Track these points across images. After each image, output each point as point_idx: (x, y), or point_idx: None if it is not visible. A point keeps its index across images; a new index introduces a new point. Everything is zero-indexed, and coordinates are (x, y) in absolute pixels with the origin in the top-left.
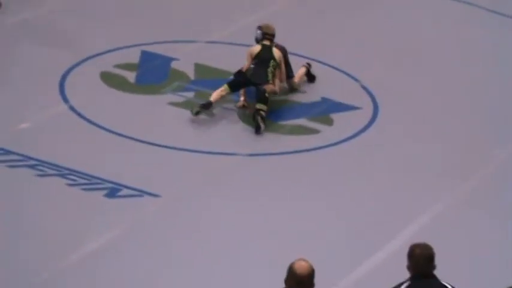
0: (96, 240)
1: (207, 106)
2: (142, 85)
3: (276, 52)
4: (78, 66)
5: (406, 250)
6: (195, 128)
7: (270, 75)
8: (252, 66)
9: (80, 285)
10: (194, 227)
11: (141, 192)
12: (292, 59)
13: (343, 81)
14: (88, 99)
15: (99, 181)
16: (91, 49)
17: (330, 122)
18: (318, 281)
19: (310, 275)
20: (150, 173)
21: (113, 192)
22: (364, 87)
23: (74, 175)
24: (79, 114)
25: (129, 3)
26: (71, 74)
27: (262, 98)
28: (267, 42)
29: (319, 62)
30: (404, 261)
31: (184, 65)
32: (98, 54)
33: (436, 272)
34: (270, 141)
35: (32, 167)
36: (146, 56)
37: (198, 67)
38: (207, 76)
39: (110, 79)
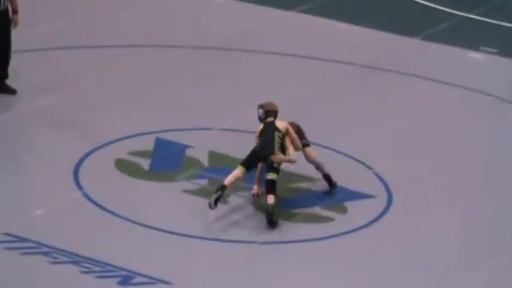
0: None
1: (222, 189)
2: (156, 172)
3: (280, 123)
4: (92, 153)
5: None
6: (209, 215)
7: (276, 146)
8: (259, 141)
9: None
10: None
11: (155, 280)
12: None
13: (356, 168)
14: (102, 186)
15: (112, 268)
16: (105, 136)
17: (344, 211)
18: None
19: None
20: (164, 261)
21: (126, 280)
22: (377, 175)
23: (87, 262)
24: (93, 201)
25: (143, 92)
26: (85, 161)
27: (271, 167)
28: (270, 119)
29: (332, 149)
30: None
31: (199, 152)
32: (112, 142)
33: None
34: (284, 229)
35: (45, 254)
36: (160, 144)
37: (212, 155)
38: (221, 164)
39: (124, 166)
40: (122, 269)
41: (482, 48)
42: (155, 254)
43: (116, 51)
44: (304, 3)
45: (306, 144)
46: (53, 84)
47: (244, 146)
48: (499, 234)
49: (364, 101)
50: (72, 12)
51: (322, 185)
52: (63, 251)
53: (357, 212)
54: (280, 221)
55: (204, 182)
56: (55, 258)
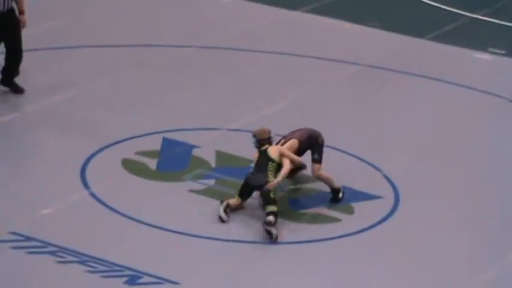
0: None
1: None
2: (163, 172)
3: (273, 152)
4: (99, 152)
5: None
6: (216, 215)
7: (269, 176)
8: (251, 171)
9: None
10: None
11: (162, 280)
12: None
13: (364, 170)
14: (109, 185)
15: (119, 268)
16: (113, 136)
17: (350, 211)
18: None
19: None
20: (171, 261)
21: (133, 279)
22: (385, 177)
23: (94, 262)
24: (100, 201)
25: (150, 92)
26: (92, 161)
27: (267, 200)
28: (264, 148)
29: (340, 150)
30: None
31: (206, 152)
32: (119, 141)
33: None
34: (291, 229)
35: (52, 253)
36: (168, 143)
37: (219, 155)
38: (228, 164)
39: (131, 166)
40: (128, 268)
41: (490, 49)
42: (162, 253)
43: (122, 51)
44: (310, 3)
45: (315, 160)
46: (60, 84)
47: (251, 146)
48: (507, 235)
49: (371, 101)
50: (78, 11)
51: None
52: (70, 250)
53: (364, 212)
54: (287, 222)
55: (211, 182)
56: (61, 257)
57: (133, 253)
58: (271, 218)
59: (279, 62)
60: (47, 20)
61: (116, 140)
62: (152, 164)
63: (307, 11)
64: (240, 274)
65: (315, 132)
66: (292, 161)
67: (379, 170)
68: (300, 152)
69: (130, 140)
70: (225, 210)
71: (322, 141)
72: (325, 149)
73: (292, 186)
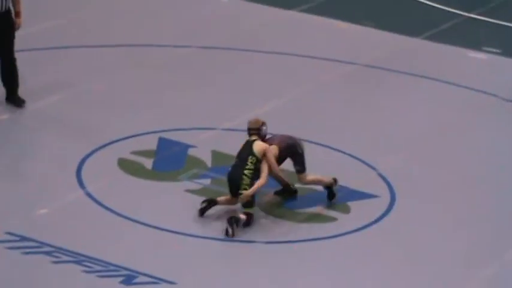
0: None
1: (210, 202)
2: (159, 172)
3: (258, 146)
4: (95, 152)
5: None
6: (212, 215)
7: (245, 176)
8: (232, 165)
9: None
10: None
11: (158, 280)
12: (309, 147)
13: (360, 169)
14: (105, 185)
15: (115, 268)
16: (108, 136)
17: (347, 210)
18: None
19: None
20: (167, 260)
21: (129, 279)
22: (381, 175)
23: (90, 262)
24: (96, 201)
25: (146, 91)
26: (88, 160)
27: (244, 204)
28: (251, 138)
29: (336, 149)
30: None
31: (202, 152)
32: (115, 141)
33: None
34: (287, 228)
35: (47, 253)
36: (163, 143)
37: (215, 154)
38: (224, 163)
39: (127, 165)
40: (124, 268)
41: (484, 48)
42: (158, 253)
43: (119, 51)
44: (306, 3)
45: (299, 171)
46: (56, 83)
47: None
48: (503, 234)
49: (367, 100)
50: (73, 11)
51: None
52: (66, 250)
53: (360, 211)
54: (283, 221)
55: (206, 182)
56: (57, 257)
57: (129, 253)
58: (239, 216)
59: (275, 62)
60: (40, 19)
61: (111, 139)
62: (148, 163)
63: (303, 11)
64: (236, 274)
65: (293, 141)
66: (269, 167)
67: (374, 169)
68: (279, 160)
69: (126, 140)
70: (204, 206)
71: (302, 150)
72: (321, 148)
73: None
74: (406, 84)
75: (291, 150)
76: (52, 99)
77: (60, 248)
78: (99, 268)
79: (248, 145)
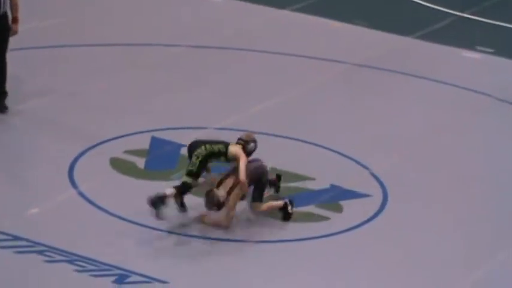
0: None
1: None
2: (151, 171)
3: (234, 148)
4: (87, 151)
5: None
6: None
7: (204, 147)
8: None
9: None
10: None
11: (150, 279)
12: (302, 147)
13: (352, 168)
14: (97, 184)
15: (107, 267)
16: (101, 135)
17: (339, 209)
18: None
19: None
20: (160, 260)
21: (122, 278)
22: (373, 175)
23: (83, 261)
24: (88, 200)
25: (139, 91)
26: (80, 160)
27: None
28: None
29: (329, 149)
30: None
31: None
32: (107, 140)
33: None
34: (280, 228)
35: (40, 252)
36: (156, 142)
37: None
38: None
39: (119, 165)
40: (117, 267)
41: (478, 47)
42: (150, 252)
43: (111, 50)
44: (298, 2)
45: (254, 199)
46: (49, 83)
47: None
48: (497, 233)
49: (358, 100)
50: (65, 11)
51: (318, 184)
52: (58, 249)
53: (353, 211)
54: (276, 220)
55: (199, 181)
56: (50, 256)
57: (121, 252)
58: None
59: (268, 61)
60: (31, 19)
61: (104, 138)
62: (140, 163)
63: (296, 10)
64: (229, 273)
65: (262, 169)
66: (238, 172)
67: (367, 168)
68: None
69: (118, 139)
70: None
71: (266, 181)
72: (314, 148)
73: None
74: (399, 83)
75: (257, 176)
76: (43, 98)
77: (53, 248)
78: (91, 267)
79: (226, 143)
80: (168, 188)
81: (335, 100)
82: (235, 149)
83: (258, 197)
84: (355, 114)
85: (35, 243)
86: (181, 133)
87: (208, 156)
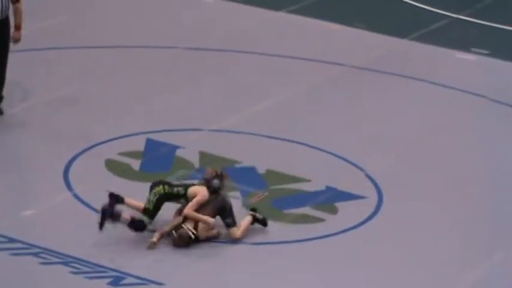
0: None
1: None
2: (147, 173)
3: (195, 189)
4: (83, 153)
5: None
6: None
7: (152, 197)
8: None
9: None
10: None
11: (146, 281)
12: (296, 148)
13: (347, 170)
14: (92, 186)
15: (103, 269)
16: (96, 137)
17: (334, 211)
18: None
19: None
20: (155, 262)
21: (117, 280)
22: (368, 176)
23: (78, 263)
24: (83, 202)
25: (134, 92)
26: (75, 162)
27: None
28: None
29: (324, 150)
30: None
31: (189, 153)
32: (102, 142)
33: None
34: (275, 230)
35: (35, 254)
36: (151, 144)
37: (203, 155)
38: (211, 164)
39: (114, 167)
40: (112, 269)
41: (473, 49)
42: (146, 254)
43: (107, 52)
44: (294, 4)
45: (229, 225)
46: (44, 85)
47: (235, 147)
48: (493, 233)
49: (354, 102)
50: (62, 13)
51: (313, 186)
52: (54, 251)
53: (348, 212)
54: (271, 222)
55: (194, 183)
56: (45, 259)
57: (117, 254)
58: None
59: (264, 63)
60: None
61: (99, 140)
62: (136, 164)
63: (292, 12)
64: (224, 275)
65: (220, 200)
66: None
67: (362, 170)
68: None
69: (113, 141)
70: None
71: (230, 206)
72: (310, 150)
73: (274, 186)
74: (394, 85)
75: (219, 205)
76: (38, 100)
77: (48, 250)
78: (87, 269)
79: (188, 185)
80: (126, 212)
81: (331, 102)
82: (196, 189)
83: (232, 223)
84: (351, 115)
85: (31, 245)
86: (177, 135)
87: (165, 196)
